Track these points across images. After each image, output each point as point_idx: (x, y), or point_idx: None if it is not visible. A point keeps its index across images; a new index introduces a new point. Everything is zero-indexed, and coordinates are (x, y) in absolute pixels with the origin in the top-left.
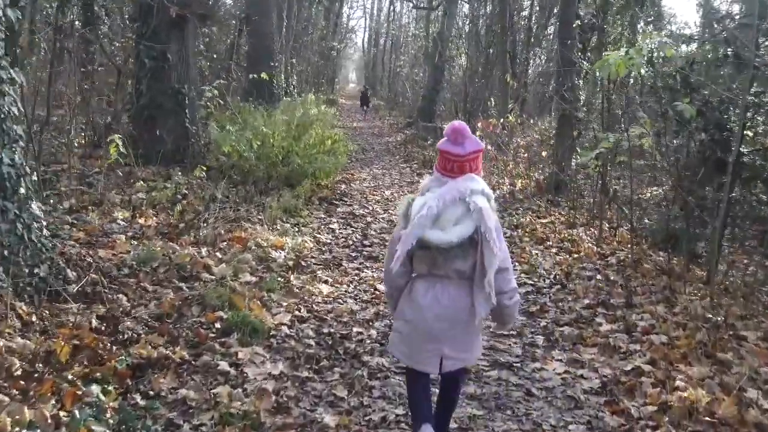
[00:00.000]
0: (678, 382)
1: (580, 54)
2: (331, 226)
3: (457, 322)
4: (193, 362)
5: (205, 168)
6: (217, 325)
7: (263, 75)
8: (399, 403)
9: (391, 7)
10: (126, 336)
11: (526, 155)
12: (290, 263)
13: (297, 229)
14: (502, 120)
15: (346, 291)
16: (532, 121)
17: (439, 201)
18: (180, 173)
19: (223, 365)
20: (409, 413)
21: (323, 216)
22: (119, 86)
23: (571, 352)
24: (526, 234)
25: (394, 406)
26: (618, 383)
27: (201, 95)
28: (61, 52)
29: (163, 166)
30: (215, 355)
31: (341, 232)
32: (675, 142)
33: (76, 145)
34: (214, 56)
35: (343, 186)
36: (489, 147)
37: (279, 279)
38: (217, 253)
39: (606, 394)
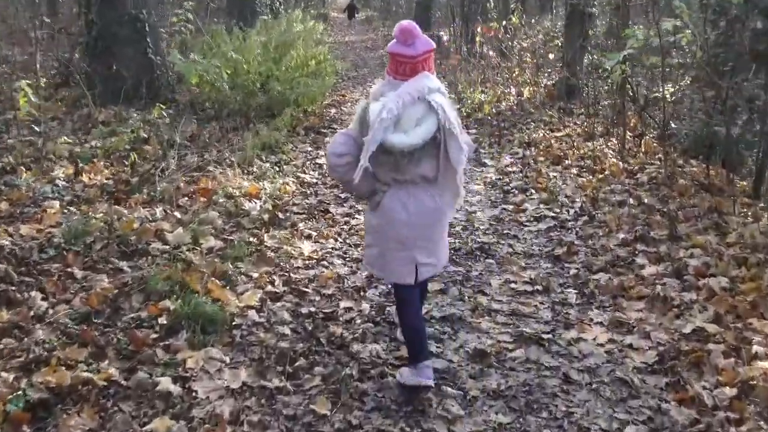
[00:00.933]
0: (756, 347)
1: None
2: (318, 161)
3: (426, 227)
4: (123, 383)
5: (164, 106)
6: (162, 320)
7: None
8: (400, 415)
9: None
10: (32, 356)
11: (532, 60)
12: (266, 216)
13: (278, 169)
14: (504, 22)
15: (332, 248)
16: (533, 21)
17: (398, 102)
18: (140, 112)
19: (165, 383)
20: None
21: (310, 149)
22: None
23: (612, 311)
24: (541, 153)
25: (394, 422)
26: (679, 354)
27: (165, 20)
28: None
29: (125, 106)
30: (155, 369)
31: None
32: (714, 35)
33: (42, 85)
34: None
35: (333, 110)
36: (490, 53)
37: (250, 240)
38: (176, 213)
39: (666, 373)
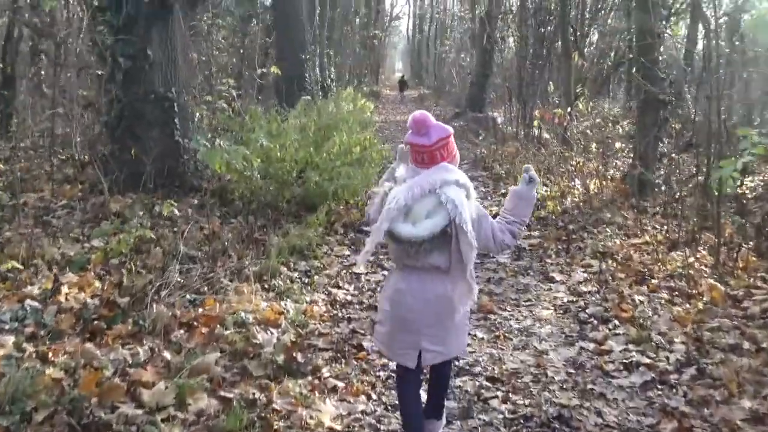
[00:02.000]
0: None
1: (663, 21)
2: (355, 269)
3: (433, 315)
4: None
5: (188, 195)
6: None
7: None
8: None
9: None
10: None
11: (598, 150)
12: (281, 358)
13: (306, 281)
14: (569, 109)
15: (363, 411)
16: (592, 104)
17: (408, 193)
18: (160, 203)
19: None
20: None
21: (347, 253)
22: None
23: None
24: (619, 267)
25: None
26: None
27: (201, 99)
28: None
29: (147, 193)
30: None
31: (370, 278)
32: None
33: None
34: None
35: None
36: (552, 140)
37: (256, 397)
38: (166, 353)
39: None
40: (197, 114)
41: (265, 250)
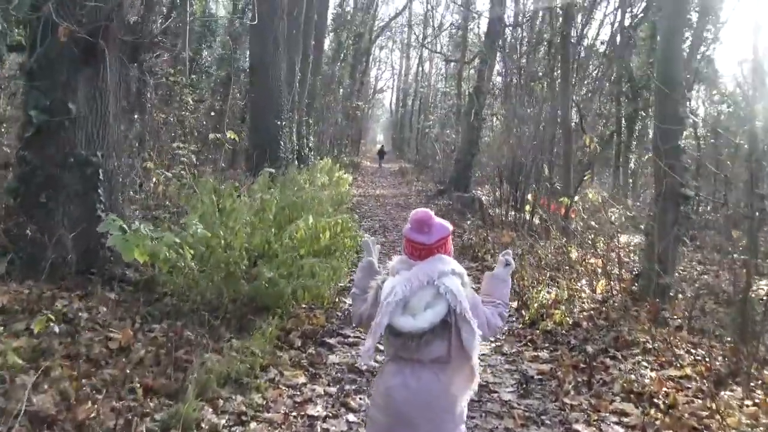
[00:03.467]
0: None
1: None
2: (311, 411)
3: (430, 409)
4: None
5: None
6: None
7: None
8: None
9: (420, 68)
10: None
11: (610, 247)
12: None
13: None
14: (577, 198)
15: None
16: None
17: (406, 286)
18: (64, 297)
19: None
20: None
21: (302, 381)
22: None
23: None
24: (666, 418)
25: None
26: None
27: (132, 167)
28: None
29: (52, 282)
30: None
31: (331, 428)
32: None
33: None
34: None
35: (348, 301)
36: (555, 232)
37: None
38: None
39: None
40: (150, 181)
41: (184, 383)
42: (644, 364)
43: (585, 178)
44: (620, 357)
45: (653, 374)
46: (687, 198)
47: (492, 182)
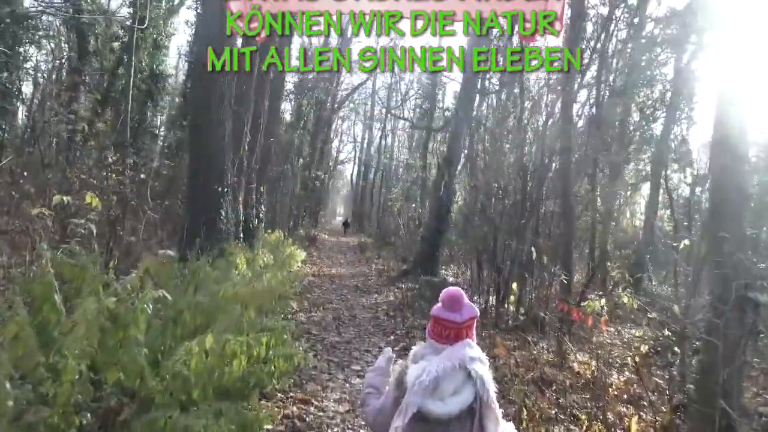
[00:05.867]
0: None
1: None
2: None
3: None
4: None
5: None
6: None
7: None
8: None
9: (382, 142)
10: None
11: (643, 369)
12: None
13: None
14: (603, 301)
15: None
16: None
17: (439, 368)
18: None
19: None
20: None
21: None
22: None
23: None
24: None
25: None
26: None
27: None
28: None
29: None
30: None
31: None
32: None
33: None
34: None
35: None
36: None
37: None
38: None
39: None
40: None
41: None
42: None
43: (615, 275)
44: None
45: None
46: (756, 306)
47: (465, 263)
